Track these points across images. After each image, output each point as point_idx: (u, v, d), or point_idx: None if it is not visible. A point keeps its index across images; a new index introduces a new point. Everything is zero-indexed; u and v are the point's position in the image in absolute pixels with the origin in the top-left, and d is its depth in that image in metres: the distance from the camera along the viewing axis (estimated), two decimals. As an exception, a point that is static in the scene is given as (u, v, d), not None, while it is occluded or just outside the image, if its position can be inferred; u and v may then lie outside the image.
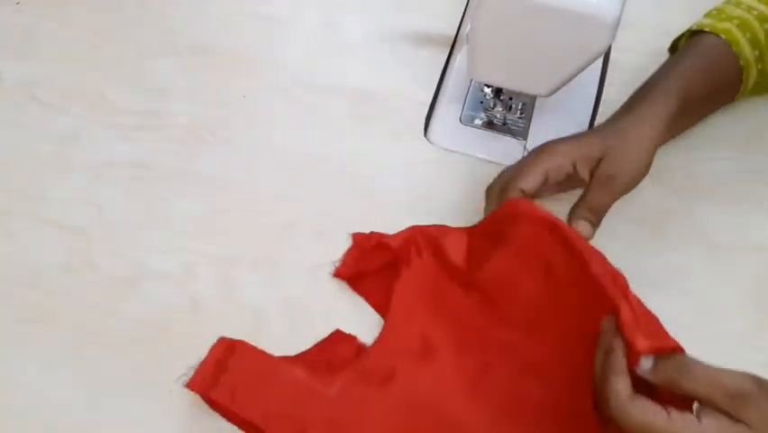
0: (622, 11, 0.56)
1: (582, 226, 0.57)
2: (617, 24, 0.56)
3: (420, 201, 0.67)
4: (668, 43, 0.71)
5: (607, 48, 0.58)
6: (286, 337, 0.59)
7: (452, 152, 0.70)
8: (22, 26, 0.79)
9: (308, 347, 0.59)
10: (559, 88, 0.64)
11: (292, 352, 0.59)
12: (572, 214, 0.58)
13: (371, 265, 0.62)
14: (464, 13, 0.80)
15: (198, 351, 0.59)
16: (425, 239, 0.61)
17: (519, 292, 0.56)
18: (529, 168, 0.58)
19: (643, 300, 0.49)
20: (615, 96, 0.72)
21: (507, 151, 0.70)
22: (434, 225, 0.63)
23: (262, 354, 0.56)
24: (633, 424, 0.45)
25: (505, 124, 0.71)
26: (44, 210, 0.66)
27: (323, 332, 0.59)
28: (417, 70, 0.75)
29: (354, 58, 0.76)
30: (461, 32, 0.78)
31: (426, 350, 0.57)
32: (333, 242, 0.65)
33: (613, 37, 0.57)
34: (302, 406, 0.54)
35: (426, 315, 0.59)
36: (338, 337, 0.59)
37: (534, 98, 0.72)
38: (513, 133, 0.71)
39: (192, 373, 0.55)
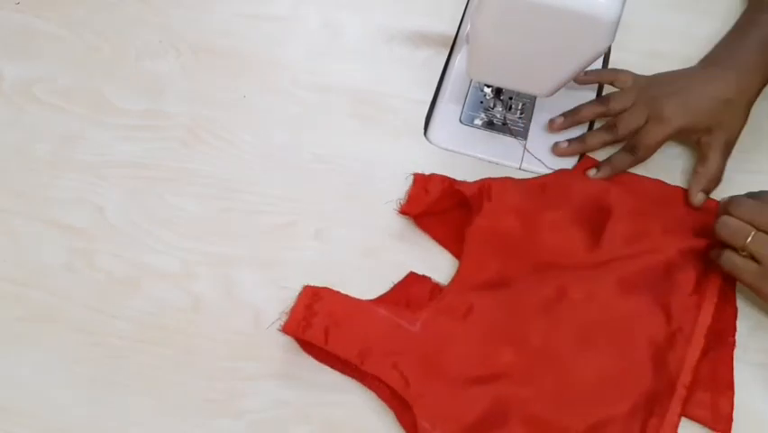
0: (622, 11, 0.56)
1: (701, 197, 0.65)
2: (617, 24, 0.56)
3: (420, 201, 0.67)
4: (668, 43, 0.71)
5: (607, 48, 0.58)
6: (286, 337, 0.59)
7: (452, 151, 0.70)
8: (22, 26, 0.79)
9: (386, 291, 0.61)
10: (559, 88, 0.64)
11: (292, 351, 0.59)
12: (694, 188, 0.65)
13: (440, 207, 0.65)
14: (464, 13, 0.80)
15: (198, 351, 0.59)
16: (497, 187, 0.64)
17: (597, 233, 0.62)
18: (652, 146, 0.66)
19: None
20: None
21: (507, 151, 0.70)
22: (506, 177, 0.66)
23: (346, 297, 0.58)
24: None
25: (505, 123, 0.71)
26: (44, 210, 0.66)
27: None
28: (417, 70, 0.75)
29: (354, 58, 0.76)
30: (461, 32, 0.78)
31: (501, 283, 0.60)
32: (333, 242, 0.65)
33: (613, 37, 0.57)
34: (390, 341, 0.56)
35: (498, 255, 0.62)
36: (413, 279, 0.62)
37: (534, 98, 0.72)
38: (513, 133, 0.71)
39: (284, 318, 0.57)
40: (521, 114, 0.71)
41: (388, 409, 0.57)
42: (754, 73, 0.66)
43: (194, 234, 0.65)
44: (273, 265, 0.63)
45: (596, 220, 0.63)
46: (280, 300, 0.61)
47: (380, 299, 0.60)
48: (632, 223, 0.62)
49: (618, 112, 0.67)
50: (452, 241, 0.64)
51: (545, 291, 0.59)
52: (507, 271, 0.61)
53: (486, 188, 0.64)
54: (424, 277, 0.62)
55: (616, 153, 0.67)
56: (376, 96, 0.73)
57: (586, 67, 0.61)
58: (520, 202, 0.64)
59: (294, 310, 0.57)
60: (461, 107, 0.73)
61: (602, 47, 0.58)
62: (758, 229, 0.56)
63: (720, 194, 0.65)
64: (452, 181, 0.66)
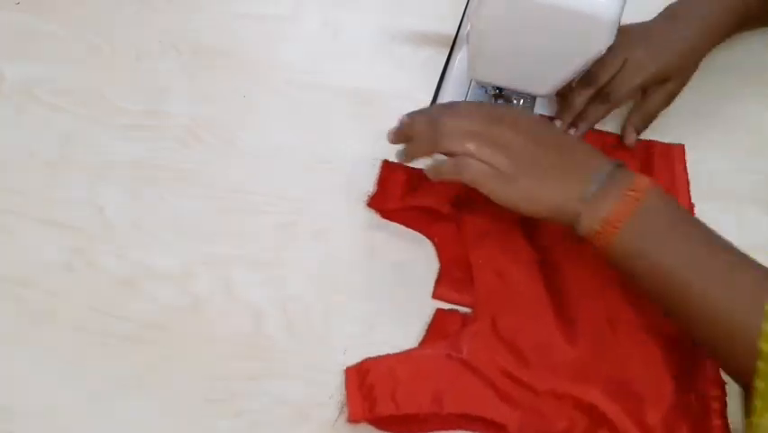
0: (622, 11, 0.56)
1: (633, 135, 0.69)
2: (617, 24, 0.56)
3: (420, 201, 0.67)
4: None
5: (606, 48, 0.58)
6: (286, 337, 0.59)
7: (452, 151, 0.70)
8: (22, 26, 0.79)
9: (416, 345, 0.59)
10: (559, 88, 0.64)
11: (292, 351, 0.59)
12: (629, 123, 0.68)
13: (407, 204, 0.65)
14: (464, 13, 0.80)
15: (198, 351, 0.59)
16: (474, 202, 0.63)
17: None
18: (626, 85, 0.68)
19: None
20: (615, 96, 0.72)
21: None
22: None
23: (388, 356, 0.57)
24: None
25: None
26: (44, 210, 0.66)
27: (323, 332, 0.60)
28: (417, 70, 0.75)
29: (354, 58, 0.76)
30: (461, 32, 0.78)
31: (519, 286, 0.60)
32: (333, 242, 0.65)
33: (613, 37, 0.57)
34: (451, 374, 0.56)
35: (501, 256, 0.62)
36: (441, 316, 0.60)
37: (534, 98, 0.72)
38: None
39: (344, 409, 0.55)
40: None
41: None
42: (713, 27, 0.69)
43: (194, 234, 0.65)
44: (273, 265, 0.63)
45: None
46: (280, 301, 0.61)
47: (421, 345, 0.59)
48: None
49: (607, 81, 0.68)
50: (429, 226, 0.64)
51: (559, 278, 0.61)
52: (516, 271, 0.61)
53: (460, 199, 0.64)
54: (452, 311, 0.61)
55: (588, 107, 0.68)
56: (376, 96, 0.73)
57: (586, 67, 0.61)
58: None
59: (350, 396, 0.55)
60: (461, 107, 0.73)
61: (602, 47, 0.58)
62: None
63: (720, 197, 0.65)
64: (420, 174, 0.63)
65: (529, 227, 0.64)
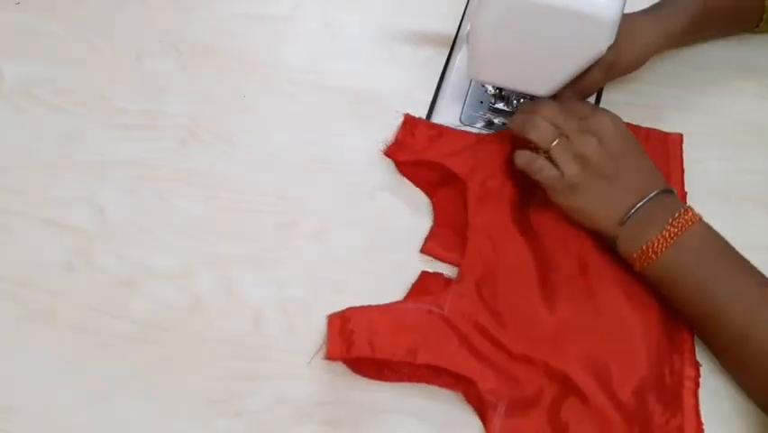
0: (622, 11, 0.56)
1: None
2: (617, 24, 0.56)
3: (421, 200, 0.67)
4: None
5: (606, 48, 0.58)
6: (286, 337, 0.59)
7: (452, 151, 0.70)
8: (22, 26, 0.79)
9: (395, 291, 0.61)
10: (559, 88, 0.64)
11: (292, 351, 0.59)
12: (562, 92, 0.65)
13: (425, 157, 0.66)
14: (464, 13, 0.80)
15: (198, 351, 0.59)
16: (487, 166, 0.65)
17: None
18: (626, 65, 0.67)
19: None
20: (615, 97, 0.72)
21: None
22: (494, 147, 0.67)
23: (371, 306, 0.58)
24: None
25: (505, 123, 0.71)
26: (44, 210, 0.66)
27: (323, 331, 0.59)
28: (417, 70, 0.75)
29: (354, 58, 0.76)
30: (461, 32, 0.78)
31: (510, 254, 0.62)
32: (333, 242, 0.65)
33: (613, 37, 0.57)
34: (428, 328, 0.57)
35: (504, 223, 0.63)
36: (426, 277, 0.62)
37: (534, 98, 0.72)
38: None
39: (324, 349, 0.56)
40: (521, 114, 0.71)
41: (387, 408, 0.57)
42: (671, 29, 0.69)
43: (194, 234, 0.65)
44: (273, 265, 0.63)
45: None
46: (280, 301, 0.61)
47: (404, 299, 0.61)
48: None
49: None
50: (434, 187, 0.66)
51: (550, 260, 0.62)
52: (509, 239, 0.62)
53: (477, 163, 0.65)
54: (436, 274, 0.62)
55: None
56: (376, 96, 0.73)
57: (586, 66, 0.61)
58: (514, 176, 0.65)
59: (331, 339, 0.56)
60: (461, 107, 0.73)
61: (602, 47, 0.58)
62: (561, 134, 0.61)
63: (720, 197, 0.65)
64: (440, 131, 0.68)
65: (530, 201, 0.65)
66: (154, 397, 0.57)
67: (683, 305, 0.58)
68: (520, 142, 0.63)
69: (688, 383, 0.57)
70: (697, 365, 0.57)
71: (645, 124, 0.71)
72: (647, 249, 0.57)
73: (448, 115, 0.72)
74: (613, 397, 0.55)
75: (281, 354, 0.59)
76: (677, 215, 0.57)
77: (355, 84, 0.74)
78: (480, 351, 0.57)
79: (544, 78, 0.63)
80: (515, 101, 0.71)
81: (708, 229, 0.58)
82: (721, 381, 0.58)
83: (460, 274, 0.61)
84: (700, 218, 0.58)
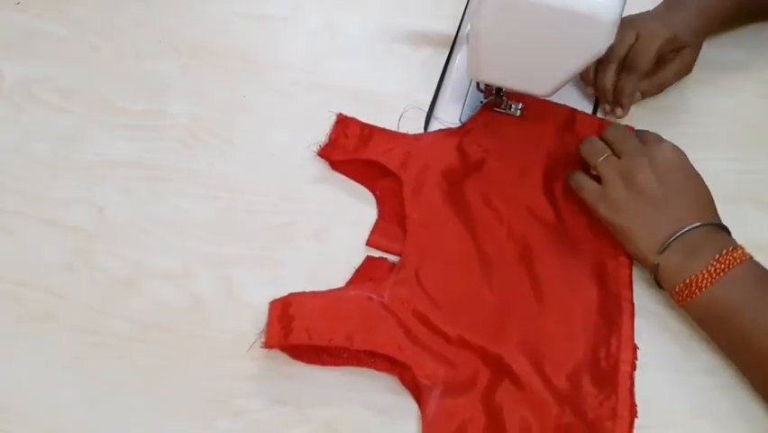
0: (622, 11, 0.56)
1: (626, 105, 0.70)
2: (617, 24, 0.56)
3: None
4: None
5: (607, 48, 0.58)
6: (286, 337, 0.59)
7: (452, 151, 0.70)
8: (21, 26, 0.78)
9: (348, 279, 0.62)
10: (559, 88, 0.64)
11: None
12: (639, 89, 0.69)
13: (358, 156, 0.68)
14: (464, 13, 0.80)
15: (198, 351, 0.59)
16: (421, 158, 0.67)
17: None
18: (645, 54, 0.68)
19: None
20: (615, 96, 0.72)
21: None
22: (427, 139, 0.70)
23: (313, 293, 0.59)
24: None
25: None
26: (44, 210, 0.66)
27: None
28: (417, 70, 0.75)
29: (354, 58, 0.76)
30: (461, 32, 0.78)
31: (448, 242, 0.63)
32: (333, 242, 0.65)
33: (613, 37, 0.57)
34: (368, 314, 0.58)
35: (439, 225, 0.64)
36: (370, 262, 0.63)
37: (534, 98, 0.72)
38: (513, 133, 0.71)
39: (262, 336, 0.57)
40: (521, 113, 0.71)
41: (387, 408, 0.57)
42: (711, 12, 0.71)
43: (194, 234, 0.65)
44: (273, 265, 0.63)
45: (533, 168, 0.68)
46: (280, 300, 0.61)
47: (345, 286, 0.61)
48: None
49: (625, 53, 0.69)
50: (374, 181, 0.67)
51: (490, 246, 0.63)
52: (451, 224, 0.64)
53: (409, 157, 0.67)
54: (381, 259, 0.64)
55: (619, 81, 0.70)
56: (376, 96, 0.73)
57: (586, 66, 0.61)
58: (446, 168, 0.67)
59: (270, 325, 0.57)
60: (461, 107, 0.73)
61: (602, 47, 0.58)
62: (613, 153, 0.62)
63: (721, 197, 0.65)
64: (371, 131, 0.69)
65: (475, 187, 0.67)
66: (154, 397, 0.57)
67: (732, 346, 0.57)
68: (452, 136, 0.68)
69: (624, 366, 0.57)
70: (634, 348, 0.58)
71: (646, 124, 0.70)
72: (690, 283, 0.56)
73: (448, 115, 0.72)
74: (547, 380, 0.56)
75: (281, 355, 0.59)
76: (725, 252, 0.56)
77: (355, 84, 0.74)
78: (418, 337, 0.58)
79: (544, 78, 0.63)
80: (512, 104, 0.71)
81: (760, 268, 0.57)
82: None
83: (400, 262, 0.62)
84: (751, 257, 0.57)
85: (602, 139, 0.64)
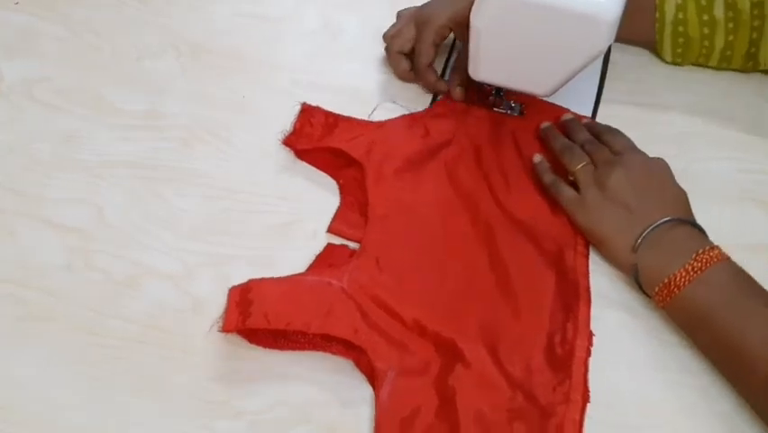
0: (622, 11, 0.56)
1: (459, 91, 0.70)
2: (617, 24, 0.56)
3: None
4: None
5: (607, 48, 0.58)
6: (286, 337, 0.59)
7: (451, 151, 0.70)
8: (21, 26, 0.79)
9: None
10: (559, 88, 0.64)
11: (292, 352, 0.59)
12: (451, 81, 0.71)
13: (324, 144, 0.68)
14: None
15: (198, 351, 0.59)
16: (384, 145, 0.68)
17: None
18: (425, 48, 0.69)
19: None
20: (615, 96, 0.72)
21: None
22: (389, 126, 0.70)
23: (272, 279, 0.59)
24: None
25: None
26: (44, 210, 0.66)
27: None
28: (417, 70, 0.75)
29: (354, 58, 0.76)
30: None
31: (410, 228, 0.64)
32: (332, 242, 0.65)
33: (613, 37, 0.57)
34: (326, 299, 0.58)
35: (402, 198, 0.65)
36: (331, 249, 0.64)
37: (534, 98, 0.72)
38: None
39: (220, 322, 0.56)
40: (521, 113, 0.71)
41: (342, 392, 0.57)
42: None
43: (194, 234, 0.65)
44: (273, 265, 0.63)
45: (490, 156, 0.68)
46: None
47: (306, 272, 0.62)
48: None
49: (393, 35, 0.71)
50: (338, 170, 0.68)
51: (453, 231, 0.64)
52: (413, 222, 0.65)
53: (373, 145, 0.67)
54: (341, 246, 0.64)
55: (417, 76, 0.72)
56: (376, 96, 0.73)
57: (586, 66, 0.61)
58: (410, 154, 0.67)
59: (228, 309, 0.57)
60: (460, 107, 0.73)
61: (602, 47, 0.58)
62: (591, 160, 0.64)
63: (721, 197, 0.65)
64: (336, 120, 0.69)
65: (439, 173, 0.67)
66: (154, 397, 0.57)
67: (710, 345, 0.57)
68: (416, 122, 0.69)
69: (579, 352, 0.58)
70: (590, 335, 0.59)
71: (646, 124, 0.71)
72: (669, 283, 0.57)
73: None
74: (500, 365, 0.57)
75: (281, 355, 0.59)
76: (701, 251, 0.57)
77: (355, 84, 0.74)
78: (375, 321, 0.58)
79: (543, 78, 0.63)
80: (512, 104, 0.71)
81: (736, 268, 0.57)
82: (720, 379, 0.57)
83: (360, 248, 0.63)
84: (728, 258, 0.57)
85: (569, 136, 0.66)
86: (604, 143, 0.66)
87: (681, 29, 0.70)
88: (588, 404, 0.56)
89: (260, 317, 0.56)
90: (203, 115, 0.72)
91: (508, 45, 0.61)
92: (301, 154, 0.69)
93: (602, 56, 0.63)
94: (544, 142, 0.68)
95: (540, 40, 0.59)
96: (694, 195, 0.66)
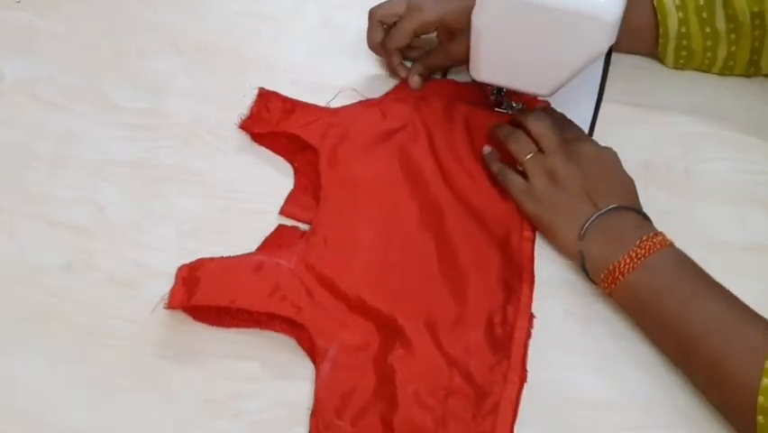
0: (622, 11, 0.56)
1: (417, 80, 0.71)
2: (617, 24, 0.56)
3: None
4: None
5: (607, 48, 0.58)
6: (286, 337, 0.59)
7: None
8: (22, 25, 0.78)
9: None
10: (559, 88, 0.64)
11: (292, 352, 0.59)
12: (413, 68, 0.71)
13: (281, 129, 0.69)
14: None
15: (198, 351, 0.59)
16: (340, 128, 0.69)
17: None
18: (401, 33, 0.69)
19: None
20: (615, 97, 0.72)
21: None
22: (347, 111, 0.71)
23: (221, 258, 0.60)
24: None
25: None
26: (45, 209, 0.66)
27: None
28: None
29: (354, 57, 0.76)
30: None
31: (360, 209, 0.65)
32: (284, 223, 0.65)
33: (613, 37, 0.57)
34: (273, 278, 0.59)
35: (352, 194, 0.66)
36: (282, 230, 0.65)
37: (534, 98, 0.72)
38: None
39: (165, 300, 0.58)
40: (521, 113, 0.71)
41: (284, 369, 0.58)
42: None
43: (194, 234, 0.65)
44: (273, 265, 0.63)
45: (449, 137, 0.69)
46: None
47: (256, 251, 0.63)
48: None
49: (391, 22, 0.70)
50: (293, 153, 0.69)
51: (403, 212, 0.65)
52: (361, 203, 0.65)
53: (328, 129, 0.68)
54: (292, 227, 0.65)
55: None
56: (375, 95, 0.73)
57: (586, 66, 0.61)
58: (365, 138, 0.68)
59: (175, 287, 0.58)
60: (461, 107, 0.73)
61: (602, 47, 0.58)
62: (539, 149, 0.64)
63: (721, 197, 0.65)
64: (294, 105, 0.70)
65: (392, 156, 0.68)
66: (154, 397, 0.57)
67: (655, 330, 0.58)
68: (373, 107, 0.70)
69: (518, 333, 0.59)
70: (530, 317, 0.60)
71: (646, 124, 0.71)
72: (613, 270, 0.57)
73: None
74: (439, 343, 0.58)
75: (282, 355, 0.59)
76: (645, 238, 0.57)
77: (355, 84, 0.74)
78: (319, 301, 0.59)
79: (544, 78, 0.63)
80: (513, 104, 0.70)
81: (679, 254, 0.58)
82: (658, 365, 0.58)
83: (311, 229, 0.63)
84: (671, 243, 0.58)
85: (520, 123, 0.66)
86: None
87: (684, 42, 0.70)
88: (525, 385, 0.57)
89: (206, 295, 0.57)
90: (204, 114, 0.72)
91: (509, 45, 0.61)
92: (258, 138, 0.70)
93: (603, 56, 0.63)
94: (488, 137, 0.69)
95: (541, 40, 0.59)
96: (695, 195, 0.66)
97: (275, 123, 0.69)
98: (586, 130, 0.70)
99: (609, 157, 0.63)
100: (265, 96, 0.71)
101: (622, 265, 0.57)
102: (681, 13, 0.68)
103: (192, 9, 0.80)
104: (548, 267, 0.63)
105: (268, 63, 0.76)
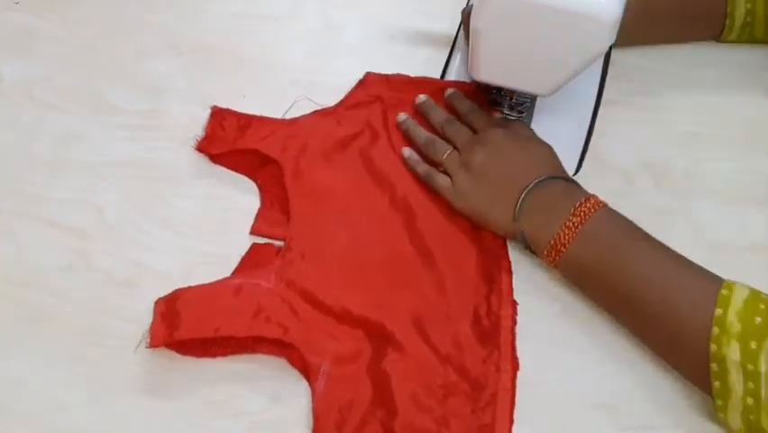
0: (622, 11, 0.56)
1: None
2: (617, 24, 0.56)
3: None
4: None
5: (607, 48, 0.58)
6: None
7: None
8: (20, 26, 0.78)
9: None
10: (559, 88, 0.64)
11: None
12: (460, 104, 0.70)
13: (238, 146, 0.68)
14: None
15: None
16: (299, 140, 0.68)
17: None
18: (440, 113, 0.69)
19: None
20: (615, 97, 0.72)
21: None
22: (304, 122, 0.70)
23: (198, 286, 0.59)
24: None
25: (505, 123, 0.71)
26: (44, 210, 0.66)
27: (323, 332, 0.59)
28: (417, 70, 0.75)
29: (354, 58, 0.76)
30: (461, 31, 0.78)
31: (331, 218, 0.65)
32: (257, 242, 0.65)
33: (613, 37, 0.57)
34: (254, 301, 0.59)
35: (321, 190, 0.66)
36: (257, 249, 0.64)
37: (534, 98, 0.72)
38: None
39: (146, 337, 0.56)
40: (521, 113, 0.71)
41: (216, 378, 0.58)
42: None
43: (194, 234, 0.65)
44: (273, 265, 0.63)
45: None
46: (280, 300, 0.61)
47: (233, 275, 0.62)
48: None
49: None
50: (255, 170, 0.68)
51: (374, 215, 0.65)
52: (333, 212, 0.65)
53: (287, 141, 0.68)
54: (267, 244, 0.64)
55: None
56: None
57: (586, 66, 0.61)
58: (324, 147, 0.68)
59: (154, 323, 0.56)
60: (461, 107, 0.72)
61: (602, 47, 0.58)
62: (454, 147, 0.65)
63: (721, 196, 0.65)
64: (249, 120, 0.69)
65: (355, 160, 0.68)
66: (154, 398, 0.57)
67: (601, 293, 0.58)
68: (329, 115, 0.70)
69: (505, 322, 0.59)
70: (514, 304, 0.60)
71: (646, 123, 0.71)
72: (555, 243, 0.58)
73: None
74: (430, 343, 0.58)
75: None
76: (578, 204, 0.58)
77: (355, 83, 0.74)
78: (304, 317, 0.59)
79: (544, 78, 0.63)
80: (512, 104, 0.70)
81: (613, 213, 0.59)
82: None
83: (285, 245, 0.63)
84: (605, 205, 0.59)
85: (428, 119, 0.68)
86: (465, 124, 0.67)
87: (748, 30, 0.71)
88: (518, 372, 0.57)
89: (189, 328, 0.56)
90: (203, 114, 0.72)
91: (508, 45, 0.61)
92: (216, 158, 0.69)
93: (602, 56, 0.63)
94: (406, 140, 0.69)
95: (540, 40, 0.59)
96: (695, 195, 0.66)
97: (232, 140, 0.68)
98: (585, 130, 0.70)
99: (520, 132, 0.64)
100: (219, 114, 0.70)
101: (562, 237, 0.57)
102: (749, 5, 0.69)
103: (190, 10, 0.80)
104: (548, 267, 0.63)
105: (267, 64, 0.76)
